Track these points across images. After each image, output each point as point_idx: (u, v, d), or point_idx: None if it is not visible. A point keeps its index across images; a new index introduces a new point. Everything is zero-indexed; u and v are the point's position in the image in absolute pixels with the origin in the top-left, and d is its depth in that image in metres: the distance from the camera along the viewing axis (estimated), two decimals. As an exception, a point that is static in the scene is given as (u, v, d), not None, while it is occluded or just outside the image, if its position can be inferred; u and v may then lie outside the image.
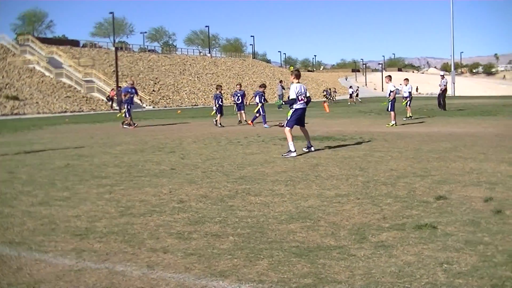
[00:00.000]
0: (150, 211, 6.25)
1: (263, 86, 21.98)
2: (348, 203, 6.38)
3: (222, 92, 22.74)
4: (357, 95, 61.84)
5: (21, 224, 5.81)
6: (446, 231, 5.00)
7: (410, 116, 22.25)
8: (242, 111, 22.37)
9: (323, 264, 4.22)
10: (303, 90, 11.47)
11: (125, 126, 21.97)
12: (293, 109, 11.36)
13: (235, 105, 22.91)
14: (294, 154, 10.88)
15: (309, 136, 11.78)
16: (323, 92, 60.68)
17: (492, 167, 8.66)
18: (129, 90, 22.10)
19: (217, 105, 21.53)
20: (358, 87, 71.27)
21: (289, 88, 12.06)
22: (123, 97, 22.98)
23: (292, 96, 11.35)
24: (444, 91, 29.55)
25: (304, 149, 11.56)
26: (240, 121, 22.32)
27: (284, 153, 11.16)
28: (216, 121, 21.22)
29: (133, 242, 5.00)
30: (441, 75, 30.59)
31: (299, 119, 11.46)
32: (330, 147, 12.28)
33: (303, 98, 11.42)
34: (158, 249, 4.76)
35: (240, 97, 22.28)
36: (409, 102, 22.83)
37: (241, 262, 4.34)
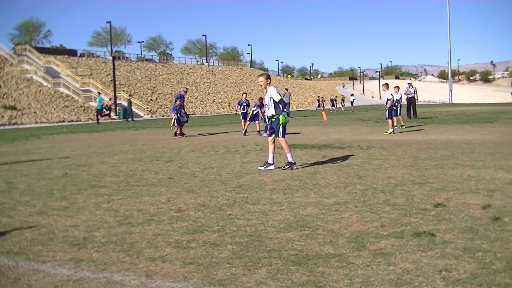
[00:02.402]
0: (149, 220, 6.24)
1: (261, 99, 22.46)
2: (346, 211, 6.37)
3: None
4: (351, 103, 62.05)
5: (19, 234, 5.79)
6: (445, 239, 4.99)
7: (402, 125, 21.99)
8: (247, 120, 22.73)
9: (322, 272, 4.22)
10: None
11: (174, 137, 20.84)
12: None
13: (240, 114, 23.26)
14: (295, 166, 10.16)
15: (274, 151, 10.52)
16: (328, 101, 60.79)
17: (490, 174, 8.67)
18: (180, 97, 21.60)
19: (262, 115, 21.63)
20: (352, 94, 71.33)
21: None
22: (174, 102, 21.96)
23: (279, 97, 10.19)
24: (411, 98, 29.47)
25: (260, 168, 10.35)
26: (245, 131, 22.50)
27: (284, 165, 10.27)
28: (260, 131, 21.40)
29: (132, 251, 4.99)
30: (408, 83, 30.54)
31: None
32: (328, 155, 12.27)
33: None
34: (157, 258, 4.75)
35: (245, 106, 22.82)
36: (399, 110, 21.95)
37: (240, 270, 4.33)
